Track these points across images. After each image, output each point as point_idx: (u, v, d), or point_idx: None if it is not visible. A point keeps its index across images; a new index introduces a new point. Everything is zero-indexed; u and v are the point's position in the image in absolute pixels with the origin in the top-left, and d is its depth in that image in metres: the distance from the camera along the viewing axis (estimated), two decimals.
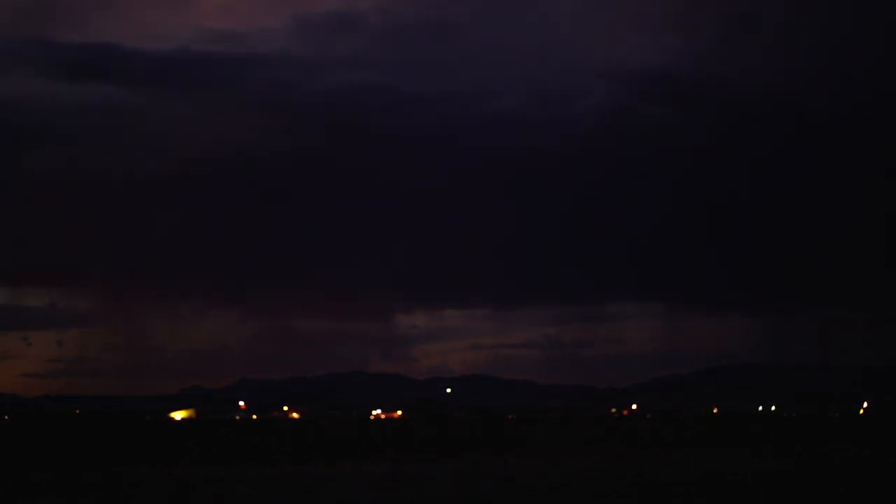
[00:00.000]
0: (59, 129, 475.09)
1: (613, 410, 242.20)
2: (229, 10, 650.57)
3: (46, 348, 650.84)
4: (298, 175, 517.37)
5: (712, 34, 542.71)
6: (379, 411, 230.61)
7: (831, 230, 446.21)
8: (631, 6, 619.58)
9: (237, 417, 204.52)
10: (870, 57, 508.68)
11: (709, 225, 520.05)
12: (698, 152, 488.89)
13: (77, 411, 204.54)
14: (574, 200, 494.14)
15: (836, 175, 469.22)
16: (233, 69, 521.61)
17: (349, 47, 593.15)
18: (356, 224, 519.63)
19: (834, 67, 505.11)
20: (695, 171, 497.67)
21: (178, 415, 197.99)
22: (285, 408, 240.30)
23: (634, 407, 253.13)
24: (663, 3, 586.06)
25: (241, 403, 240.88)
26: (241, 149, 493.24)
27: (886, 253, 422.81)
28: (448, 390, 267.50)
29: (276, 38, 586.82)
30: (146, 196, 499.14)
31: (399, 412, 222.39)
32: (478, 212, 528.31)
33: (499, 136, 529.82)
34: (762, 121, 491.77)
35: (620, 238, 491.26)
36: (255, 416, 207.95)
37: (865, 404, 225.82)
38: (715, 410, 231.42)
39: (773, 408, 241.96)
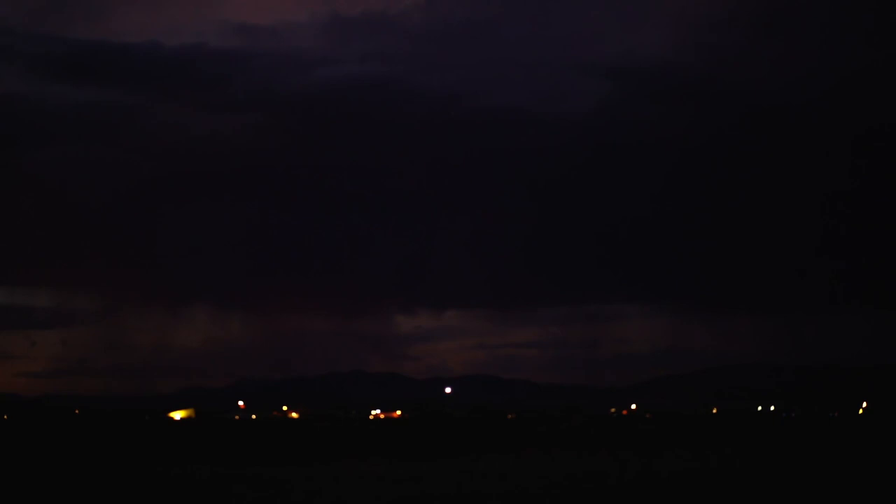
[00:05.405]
0: (61, 129, 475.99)
1: (613, 410, 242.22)
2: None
3: (47, 348, 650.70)
4: (300, 175, 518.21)
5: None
6: (378, 411, 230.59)
7: (834, 231, 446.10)
8: None
9: (237, 417, 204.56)
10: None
11: (709, 225, 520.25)
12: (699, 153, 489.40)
13: (77, 411, 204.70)
14: (575, 201, 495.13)
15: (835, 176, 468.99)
16: (241, 65, 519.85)
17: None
18: (357, 224, 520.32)
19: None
20: (695, 172, 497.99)
21: (177, 415, 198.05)
22: (285, 408, 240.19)
23: (634, 407, 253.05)
24: None
25: (241, 403, 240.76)
26: (243, 147, 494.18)
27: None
28: (448, 390, 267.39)
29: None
30: (148, 196, 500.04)
31: (399, 412, 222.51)
32: (479, 212, 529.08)
33: (499, 135, 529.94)
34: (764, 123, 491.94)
35: (621, 239, 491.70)
36: (254, 416, 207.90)
37: (864, 404, 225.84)
38: (714, 410, 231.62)
39: (772, 408, 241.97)
